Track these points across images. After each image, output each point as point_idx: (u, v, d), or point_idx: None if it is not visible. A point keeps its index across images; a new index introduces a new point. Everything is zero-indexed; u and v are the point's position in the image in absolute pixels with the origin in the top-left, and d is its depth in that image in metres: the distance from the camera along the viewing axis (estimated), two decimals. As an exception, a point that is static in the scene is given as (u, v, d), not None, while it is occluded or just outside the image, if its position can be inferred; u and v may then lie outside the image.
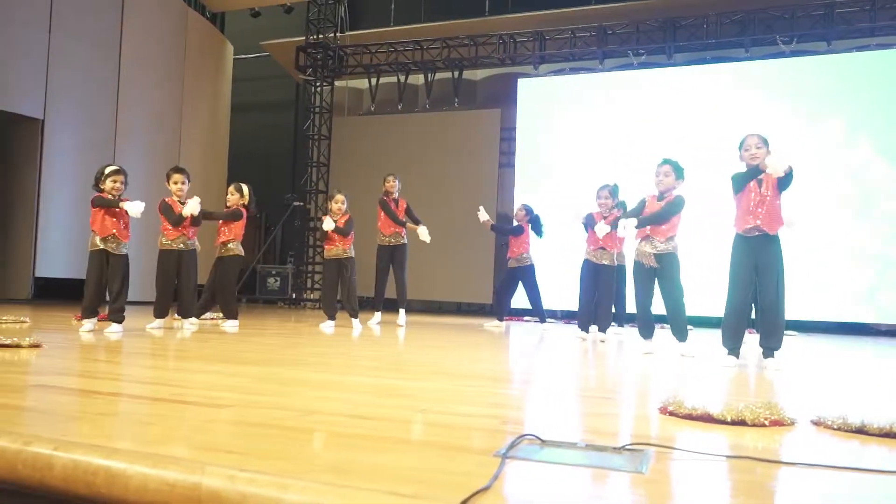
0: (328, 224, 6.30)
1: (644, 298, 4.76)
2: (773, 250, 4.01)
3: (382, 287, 7.14)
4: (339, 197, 6.39)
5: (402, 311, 7.17)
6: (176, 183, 5.29)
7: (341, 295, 6.46)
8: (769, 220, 4.02)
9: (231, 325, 5.64)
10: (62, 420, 1.82)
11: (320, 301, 9.08)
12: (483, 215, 7.40)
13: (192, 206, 5.15)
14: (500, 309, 7.76)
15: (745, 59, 10.23)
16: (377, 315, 7.04)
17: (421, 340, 5.41)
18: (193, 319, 5.76)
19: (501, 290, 7.79)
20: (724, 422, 2.05)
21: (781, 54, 10.05)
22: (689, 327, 4.75)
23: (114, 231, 4.77)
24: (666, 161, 4.79)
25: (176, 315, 5.67)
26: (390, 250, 7.08)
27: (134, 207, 4.75)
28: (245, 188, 5.88)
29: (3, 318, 5.20)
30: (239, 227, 5.80)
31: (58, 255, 9.22)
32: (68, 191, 9.28)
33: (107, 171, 4.82)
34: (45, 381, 2.51)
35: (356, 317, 6.36)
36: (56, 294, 9.61)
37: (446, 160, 11.54)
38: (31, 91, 9.02)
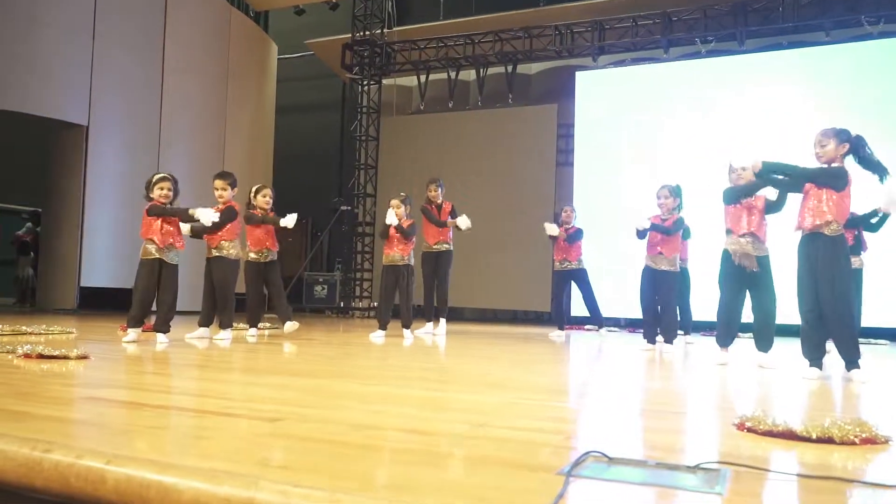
0: (391, 217, 6.32)
1: (734, 303, 4.59)
2: (827, 250, 3.85)
3: (431, 295, 7.18)
4: (395, 202, 6.44)
5: (442, 320, 7.19)
6: (216, 189, 5.44)
7: (400, 303, 6.50)
8: (817, 217, 3.89)
9: (289, 326, 5.90)
10: (113, 433, 1.89)
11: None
12: (553, 229, 7.34)
13: (207, 216, 5.08)
14: (559, 317, 7.72)
15: (825, 44, 9.93)
16: (428, 325, 7.06)
17: (476, 351, 5.41)
18: (253, 330, 5.93)
19: (559, 297, 7.75)
20: (808, 439, 2.00)
21: (867, 37, 9.72)
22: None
23: (171, 240, 4.92)
24: None
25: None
26: (434, 257, 7.12)
27: (204, 215, 4.96)
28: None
29: (50, 329, 5.42)
30: (273, 230, 5.98)
31: (102, 265, 9.54)
32: (113, 198, 9.59)
33: (154, 178, 4.99)
34: (93, 394, 2.61)
35: (408, 327, 6.40)
36: (101, 304, 9.94)
37: (500, 159, 11.53)
38: (75, 97, 9.37)
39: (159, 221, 4.90)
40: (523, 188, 11.29)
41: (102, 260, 9.54)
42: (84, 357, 3.61)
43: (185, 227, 5.20)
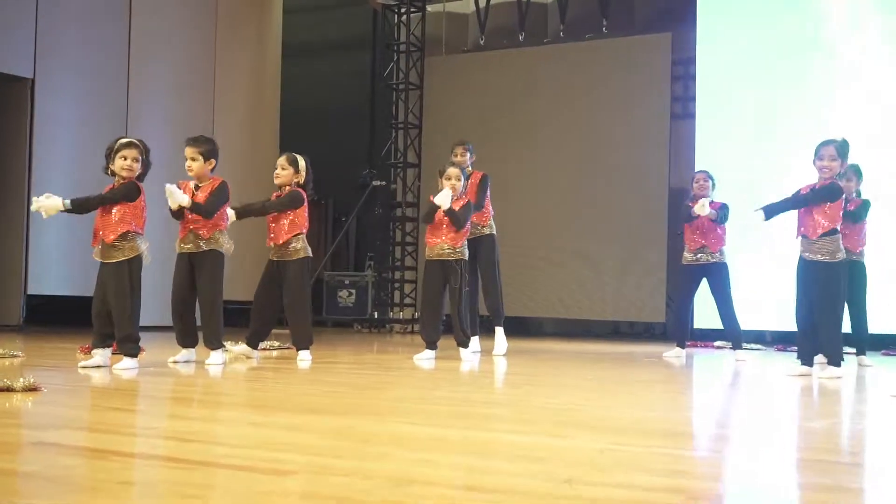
0: (443, 197, 6.21)
1: None
2: None
3: (472, 299, 7.15)
4: (453, 171, 6.41)
5: (498, 331, 7.14)
6: (186, 158, 5.50)
7: (450, 313, 6.50)
8: None
9: (305, 357, 5.87)
10: (73, 490, 1.94)
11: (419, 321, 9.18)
12: (704, 206, 7.09)
13: (171, 199, 5.23)
14: (680, 330, 7.60)
15: None
16: (474, 342, 6.98)
17: (558, 378, 5.38)
18: (243, 347, 6.01)
19: (682, 302, 7.62)
20: None
21: None
22: None
23: (100, 232, 4.97)
24: None
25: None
26: (471, 245, 7.06)
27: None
28: (301, 161, 6.04)
29: (-12, 352, 5.58)
30: (302, 217, 5.98)
31: (56, 267, 9.73)
32: (69, 174, 9.76)
33: (117, 144, 5.07)
34: (47, 437, 2.68)
35: (466, 345, 6.40)
36: (55, 318, 10.16)
37: (591, 111, 11.42)
38: (15, 42, 9.54)
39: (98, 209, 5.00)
40: (625, 150, 11.14)
41: (56, 260, 9.73)
42: (33, 389, 3.69)
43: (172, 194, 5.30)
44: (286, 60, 13.25)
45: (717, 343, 8.78)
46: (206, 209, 5.37)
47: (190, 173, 5.49)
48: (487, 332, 7.60)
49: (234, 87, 11.89)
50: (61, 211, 4.93)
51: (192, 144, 5.50)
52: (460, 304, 6.40)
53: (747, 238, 9.55)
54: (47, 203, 4.87)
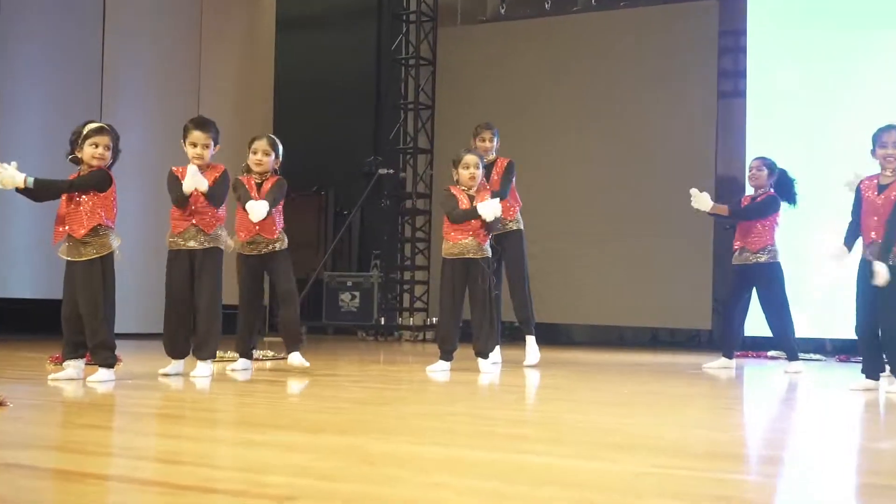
0: (489, 209, 6.12)
1: None
2: None
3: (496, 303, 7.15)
4: (471, 159, 6.37)
5: (530, 339, 7.11)
6: (195, 145, 5.45)
7: (472, 317, 6.49)
8: None
9: (298, 358, 5.87)
10: (43, 516, 1.96)
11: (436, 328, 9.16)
12: (703, 200, 7.07)
13: (193, 180, 5.19)
14: (727, 338, 7.58)
15: None
16: (495, 353, 6.96)
17: (590, 392, 5.37)
18: (244, 362, 6.00)
19: (729, 307, 7.60)
20: None
21: None
22: None
23: (65, 226, 4.94)
24: None
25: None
26: (496, 242, 7.03)
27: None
28: (279, 145, 6.08)
29: (-53, 363, 5.63)
30: (280, 207, 6.03)
31: (22, 266, 9.76)
32: (35, 162, 9.70)
33: (86, 130, 5.06)
34: (13, 458, 2.69)
35: (486, 355, 6.39)
36: (20, 324, 10.19)
37: (627, 90, 11.38)
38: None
39: (64, 200, 4.97)
40: (665, 133, 11.11)
41: (21, 259, 9.76)
42: (-2, 404, 3.74)
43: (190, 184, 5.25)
44: (281, 32, 13.23)
45: (771, 353, 8.74)
46: (219, 197, 5.39)
47: (198, 162, 5.40)
48: (509, 341, 7.60)
49: (222, 61, 11.89)
50: (18, 189, 4.82)
51: (203, 129, 5.46)
52: (492, 310, 6.39)
53: (806, 234, 9.52)
54: (6, 173, 4.76)
